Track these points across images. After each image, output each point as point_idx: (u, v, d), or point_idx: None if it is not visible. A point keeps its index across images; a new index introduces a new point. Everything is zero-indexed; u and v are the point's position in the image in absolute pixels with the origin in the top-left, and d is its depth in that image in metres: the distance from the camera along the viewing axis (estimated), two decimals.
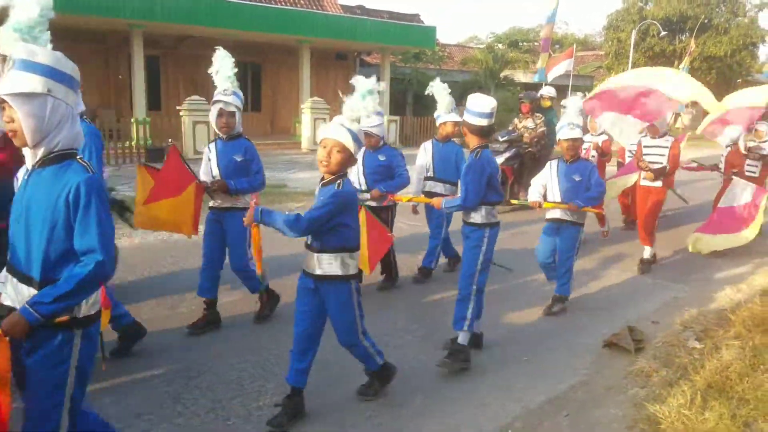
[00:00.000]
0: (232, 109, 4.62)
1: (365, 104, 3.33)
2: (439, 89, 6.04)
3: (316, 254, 3.36)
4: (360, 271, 3.66)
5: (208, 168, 4.73)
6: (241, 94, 4.74)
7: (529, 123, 10.16)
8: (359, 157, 4.98)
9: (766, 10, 33.59)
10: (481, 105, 4.27)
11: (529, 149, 10.08)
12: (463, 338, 4.28)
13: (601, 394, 4.00)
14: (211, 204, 4.77)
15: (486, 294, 5.16)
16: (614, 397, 3.96)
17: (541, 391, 4.00)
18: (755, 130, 9.07)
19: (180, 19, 15.64)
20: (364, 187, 5.48)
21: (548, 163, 5.40)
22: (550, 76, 21.34)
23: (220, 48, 4.85)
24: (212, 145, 4.77)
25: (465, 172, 4.28)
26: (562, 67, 21.12)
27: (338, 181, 3.26)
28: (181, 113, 15.43)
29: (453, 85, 24.05)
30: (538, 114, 10.31)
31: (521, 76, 26.73)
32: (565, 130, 5.15)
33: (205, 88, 19.46)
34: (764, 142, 8.91)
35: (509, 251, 7.06)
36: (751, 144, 8.79)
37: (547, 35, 20.71)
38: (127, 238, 7.32)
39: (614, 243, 8.15)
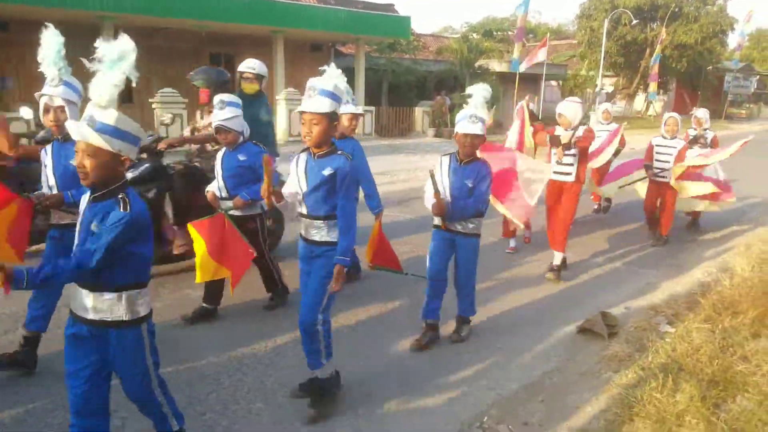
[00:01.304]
0: (60, 102, 3.76)
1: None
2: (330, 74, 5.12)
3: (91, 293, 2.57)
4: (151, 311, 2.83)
5: (45, 176, 3.83)
6: (76, 83, 3.85)
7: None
8: (218, 159, 4.80)
9: None
10: None
11: (191, 163, 6.11)
12: (323, 372, 3.62)
13: (575, 380, 4.06)
14: (52, 220, 3.91)
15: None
16: (588, 381, 4.02)
17: (516, 378, 4.05)
18: (694, 117, 8.90)
19: (151, 10, 15.37)
20: (224, 193, 4.76)
21: (440, 157, 4.55)
22: (524, 66, 21.53)
23: (50, 26, 3.85)
24: (48, 148, 3.84)
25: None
26: (540, 56, 21.34)
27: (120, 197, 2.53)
28: (153, 106, 15.24)
29: (428, 74, 24.05)
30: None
31: (496, 66, 26.81)
32: (464, 123, 4.31)
33: (177, 80, 19.32)
34: (706, 129, 8.70)
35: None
36: (692, 133, 8.70)
37: (520, 25, 20.79)
38: None
39: (585, 231, 8.25)
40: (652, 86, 29.02)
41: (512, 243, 7.08)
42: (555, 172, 6.07)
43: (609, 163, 8.58)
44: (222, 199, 4.77)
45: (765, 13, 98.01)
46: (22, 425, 3.37)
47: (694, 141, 8.33)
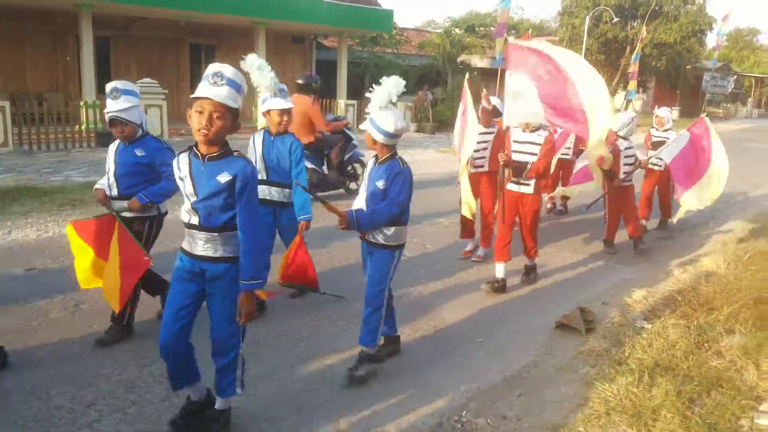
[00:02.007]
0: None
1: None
2: (256, 66, 4.67)
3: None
4: None
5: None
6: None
7: None
8: (110, 153, 4.24)
9: None
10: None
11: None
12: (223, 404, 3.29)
13: (552, 374, 4.10)
14: None
15: (442, 279, 5.23)
16: (565, 376, 4.06)
17: (495, 372, 4.08)
18: (655, 116, 8.37)
19: None
20: (115, 192, 4.20)
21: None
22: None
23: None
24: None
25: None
26: None
27: None
28: None
29: (411, 69, 24.04)
30: None
31: (478, 61, 26.87)
32: (379, 118, 3.79)
33: (157, 70, 19.13)
34: (667, 130, 8.12)
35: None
36: (654, 134, 8.21)
37: (502, 20, 20.82)
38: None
39: (566, 228, 8.32)
40: (632, 84, 29.23)
41: (469, 246, 6.71)
42: (513, 182, 5.66)
43: (571, 164, 8.54)
44: (113, 198, 4.21)
45: (743, 13, 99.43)
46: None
47: (657, 146, 7.76)
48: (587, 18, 28.25)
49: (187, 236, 3.04)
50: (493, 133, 6.36)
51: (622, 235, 7.28)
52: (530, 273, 6.01)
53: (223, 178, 2.85)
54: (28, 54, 17.30)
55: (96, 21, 15.64)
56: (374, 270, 3.91)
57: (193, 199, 2.91)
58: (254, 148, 4.89)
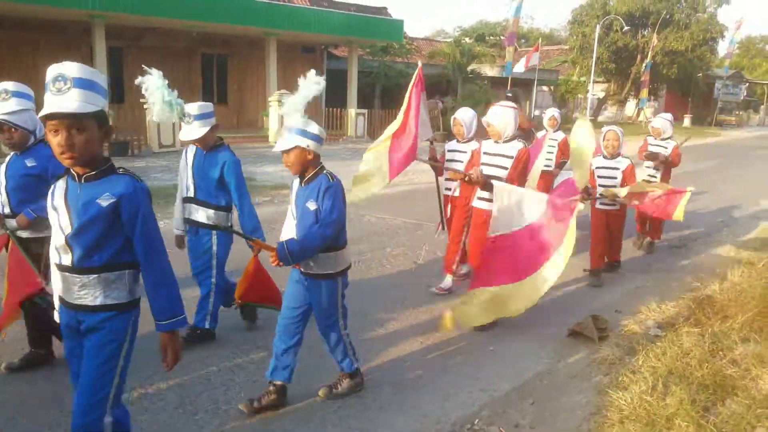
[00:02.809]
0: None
1: None
2: (152, 87, 4.01)
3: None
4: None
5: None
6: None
7: None
8: (1, 168, 3.80)
9: (724, 6, 34.37)
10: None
11: None
12: None
13: (565, 382, 4.07)
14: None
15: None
16: (578, 384, 4.03)
17: (507, 380, 4.06)
18: (651, 128, 7.84)
19: (143, 10, 15.32)
20: (7, 210, 3.76)
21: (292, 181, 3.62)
22: (520, 69, 21.72)
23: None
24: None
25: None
26: (533, 60, 21.57)
27: None
28: (145, 106, 15.18)
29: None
30: None
31: (488, 70, 26.90)
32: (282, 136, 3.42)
33: (169, 80, 19.21)
34: (666, 139, 7.58)
35: None
36: (651, 143, 7.65)
37: (512, 29, 20.89)
38: None
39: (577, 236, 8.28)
40: (643, 93, 29.23)
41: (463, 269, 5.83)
42: (480, 198, 5.07)
43: (552, 176, 7.73)
44: (6, 216, 3.78)
45: (754, 21, 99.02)
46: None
47: (651, 157, 7.41)
48: (597, 27, 28.26)
49: (60, 281, 2.48)
50: (466, 152, 5.73)
51: (628, 251, 7.23)
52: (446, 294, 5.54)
53: (105, 201, 2.33)
54: (40, 65, 17.46)
55: (108, 32, 15.81)
56: (318, 306, 3.55)
57: (68, 231, 2.35)
58: (186, 163, 4.42)
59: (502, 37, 30.46)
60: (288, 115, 3.36)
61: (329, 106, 20.90)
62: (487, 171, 4.86)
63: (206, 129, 4.21)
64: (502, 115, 4.89)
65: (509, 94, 18.04)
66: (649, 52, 28.73)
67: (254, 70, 21.30)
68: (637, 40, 32.08)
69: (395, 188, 11.48)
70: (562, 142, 7.95)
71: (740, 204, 10.98)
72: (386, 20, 21.69)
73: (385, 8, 25.09)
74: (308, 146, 3.33)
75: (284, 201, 9.68)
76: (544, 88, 34.27)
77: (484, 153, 5.02)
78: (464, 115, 5.86)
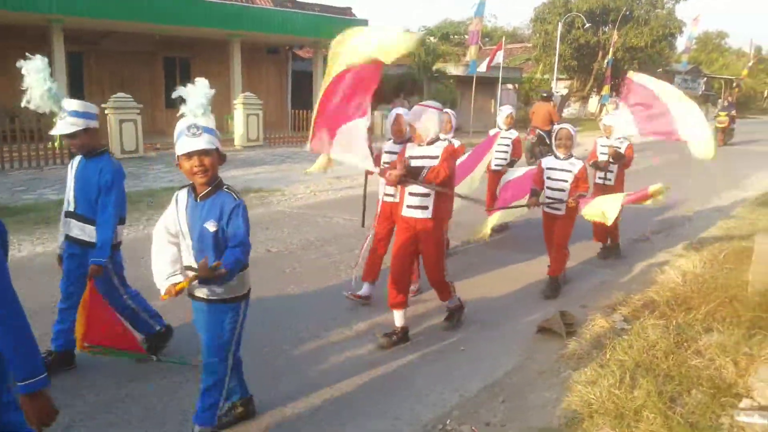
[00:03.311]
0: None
1: None
2: (34, 69, 3.89)
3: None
4: None
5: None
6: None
7: None
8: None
9: (682, 2, 35.13)
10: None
11: None
12: None
13: (535, 379, 4.11)
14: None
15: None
16: (548, 380, 4.07)
17: (477, 379, 4.08)
18: (603, 125, 7.29)
19: (102, 13, 15.04)
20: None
21: (175, 193, 3.20)
22: (483, 68, 21.88)
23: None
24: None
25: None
26: (497, 58, 21.77)
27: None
28: (106, 111, 14.89)
29: (387, 77, 24.06)
30: None
31: (453, 69, 27.03)
32: (183, 140, 2.91)
33: (131, 85, 18.96)
34: (620, 139, 6.89)
35: None
36: (602, 144, 7.07)
37: (476, 28, 21.03)
38: (51, 243, 7.03)
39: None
40: (605, 89, 29.67)
41: (365, 290, 5.45)
42: (408, 206, 4.54)
43: (499, 174, 7.41)
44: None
45: (711, 17, 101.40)
46: None
47: (616, 157, 6.78)
48: (559, 24, 28.61)
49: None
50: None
51: (594, 245, 7.33)
52: (453, 317, 4.98)
53: None
54: None
55: (67, 36, 15.49)
56: (213, 332, 3.11)
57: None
58: (70, 174, 4.08)
59: (466, 36, 30.61)
60: (197, 113, 2.94)
61: (295, 108, 20.79)
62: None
63: (76, 128, 3.80)
64: (423, 115, 4.38)
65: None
66: (610, 49, 29.16)
67: (218, 73, 21.03)
68: (598, 37, 32.54)
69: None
70: (515, 140, 7.86)
71: (702, 197, 11.22)
72: (351, 20, 21.65)
73: (349, 8, 25.10)
74: (221, 151, 3.00)
75: (253, 204, 9.59)
76: (509, 86, 34.53)
77: (409, 157, 4.49)
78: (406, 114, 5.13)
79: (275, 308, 5.20)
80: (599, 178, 6.98)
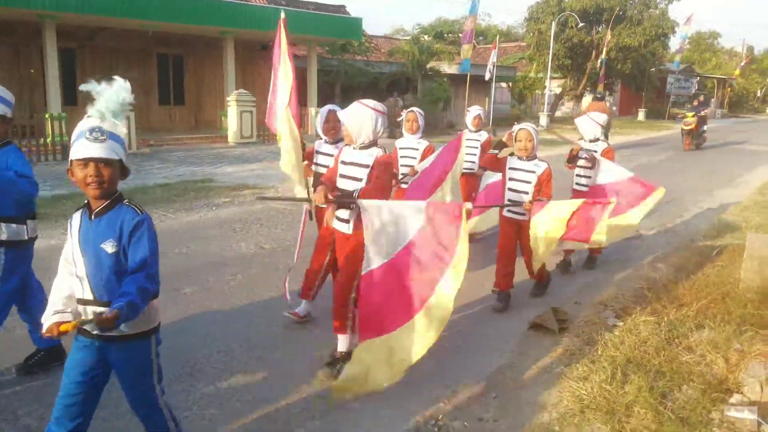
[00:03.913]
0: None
1: None
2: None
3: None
4: None
5: None
6: None
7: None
8: None
9: (675, 2, 35.25)
10: None
11: None
12: None
13: (527, 375, 4.12)
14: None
15: (310, 318, 4.96)
16: (540, 376, 4.08)
17: (469, 375, 4.09)
18: (578, 126, 6.66)
19: (95, 9, 14.96)
20: None
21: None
22: (487, 75, 22.13)
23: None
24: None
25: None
26: (491, 58, 21.92)
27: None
28: None
29: (380, 76, 24.13)
30: None
31: (446, 67, 27.06)
32: (82, 143, 2.41)
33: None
34: (596, 141, 6.41)
35: None
36: (583, 146, 6.35)
37: (469, 27, 21.06)
38: (43, 240, 6.99)
39: None
40: (599, 88, 29.78)
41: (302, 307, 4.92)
42: (338, 219, 4.02)
43: (476, 177, 7.04)
44: None
45: (704, 17, 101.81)
46: None
47: (573, 159, 6.10)
48: (553, 23, 28.66)
49: None
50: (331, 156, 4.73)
51: None
52: (336, 364, 4.03)
53: None
54: None
55: (60, 32, 15.41)
56: (126, 375, 2.66)
57: None
58: None
59: (460, 35, 30.65)
60: (105, 116, 2.44)
61: None
62: (342, 184, 3.94)
63: None
64: (356, 114, 3.82)
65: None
66: (604, 48, 29.26)
67: (212, 70, 21.03)
68: (591, 37, 32.63)
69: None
70: (485, 143, 7.05)
71: (694, 194, 11.28)
72: (345, 18, 21.65)
73: (343, 6, 25.07)
74: (126, 165, 2.54)
75: (244, 202, 9.59)
76: (503, 84, 34.63)
77: (341, 162, 4.00)
78: (350, 117, 3.97)
79: (269, 305, 5.20)
80: (577, 184, 6.37)
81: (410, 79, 26.43)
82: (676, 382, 3.73)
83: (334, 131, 4.88)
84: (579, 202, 5.16)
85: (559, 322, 4.82)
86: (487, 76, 22.13)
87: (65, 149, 13.48)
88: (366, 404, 3.67)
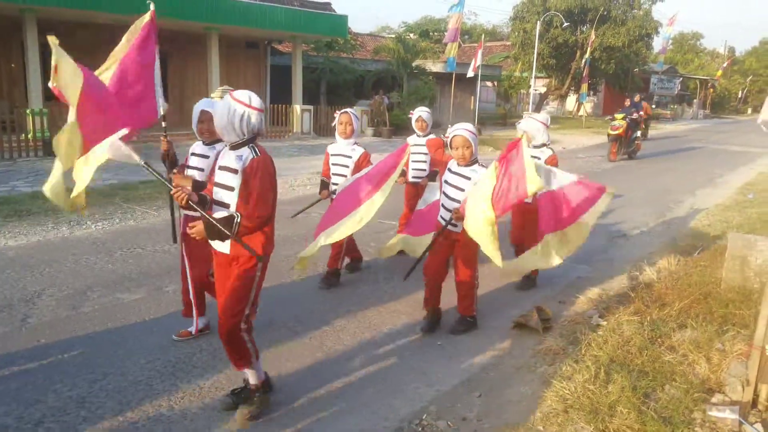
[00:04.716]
0: None
1: None
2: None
3: None
4: None
5: None
6: None
7: None
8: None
9: (659, 3, 35.50)
10: None
11: None
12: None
13: (511, 374, 4.12)
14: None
15: (404, 282, 5.07)
16: (524, 375, 4.09)
17: (454, 374, 4.08)
18: (523, 132, 5.28)
19: (76, 3, 14.78)
20: None
21: None
22: (470, 73, 22.15)
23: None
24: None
25: None
26: (478, 58, 21.98)
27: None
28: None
29: (366, 74, 24.03)
30: None
31: (431, 66, 27.06)
32: None
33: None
34: (540, 146, 5.67)
35: None
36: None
37: (455, 25, 21.06)
38: (24, 237, 6.90)
39: None
40: (583, 87, 29.93)
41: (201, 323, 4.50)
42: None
43: (420, 187, 6.33)
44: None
45: (687, 18, 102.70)
46: None
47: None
48: (538, 23, 28.76)
49: None
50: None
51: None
52: (252, 403, 3.49)
53: None
54: None
55: (41, 27, 15.17)
56: None
57: None
58: None
59: (445, 33, 30.70)
60: None
61: (274, 102, 20.65)
62: (216, 193, 3.38)
63: None
64: (223, 109, 3.27)
65: (643, 96, 18.85)
66: (588, 48, 29.40)
67: (196, 67, 20.84)
68: (576, 36, 32.77)
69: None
70: (433, 143, 5.66)
71: (677, 194, 11.37)
72: (330, 15, 21.53)
73: (329, 3, 24.94)
74: None
75: None
76: (488, 83, 34.71)
77: (218, 167, 3.42)
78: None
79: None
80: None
81: (396, 77, 26.40)
82: (659, 381, 3.74)
83: (210, 132, 4.22)
84: (493, 171, 4.29)
85: (543, 322, 4.83)
86: (470, 74, 22.11)
87: (46, 145, 13.29)
88: (350, 403, 3.66)
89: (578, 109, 37.62)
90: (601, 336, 4.43)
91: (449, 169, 4.67)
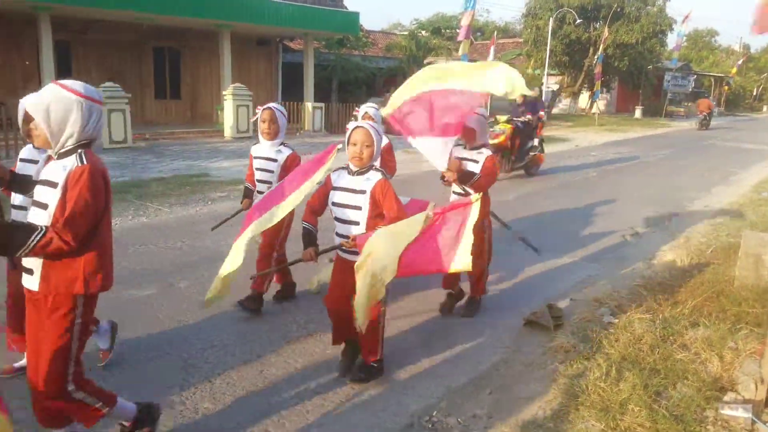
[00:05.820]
0: None
1: None
2: None
3: None
4: None
5: None
6: None
7: None
8: None
9: None
10: None
11: None
12: None
13: (521, 371, 4.11)
14: None
15: (409, 281, 5.02)
16: (535, 373, 4.08)
17: (464, 372, 4.08)
18: (464, 127, 4.60)
19: (89, 1, 14.89)
20: None
21: None
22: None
23: None
24: None
25: None
26: (490, 55, 21.95)
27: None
28: None
29: (378, 71, 24.02)
30: None
31: (444, 63, 27.02)
32: None
33: (119, 74, 18.80)
34: (478, 148, 4.73)
35: None
36: (457, 155, 4.73)
37: (467, 22, 21.00)
38: None
39: (528, 225, 8.39)
40: (596, 85, 29.77)
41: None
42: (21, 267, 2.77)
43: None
44: None
45: (701, 15, 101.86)
46: None
47: (463, 178, 4.59)
48: (551, 20, 28.62)
49: None
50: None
51: (577, 239, 7.30)
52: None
53: None
54: None
55: (55, 24, 15.31)
56: None
57: None
58: None
59: (458, 30, 30.60)
60: None
61: (285, 100, 20.69)
62: (31, 214, 2.76)
63: None
64: (48, 102, 2.58)
65: (706, 93, 18.87)
66: (601, 45, 29.24)
67: (208, 64, 20.93)
68: (589, 33, 32.59)
69: None
70: (384, 149, 5.17)
71: (691, 192, 11.29)
72: (342, 12, 21.54)
73: (341, 0, 24.96)
74: None
75: (240, 196, 9.52)
76: None
77: (39, 181, 2.78)
78: None
79: (263, 299, 5.17)
80: (455, 193, 4.87)
81: (407, 75, 26.38)
82: (671, 379, 3.72)
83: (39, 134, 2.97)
84: (422, 220, 3.45)
85: (554, 319, 4.81)
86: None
87: None
88: (359, 400, 3.66)
89: (591, 107, 37.42)
90: (612, 334, 4.41)
91: (335, 186, 3.70)
